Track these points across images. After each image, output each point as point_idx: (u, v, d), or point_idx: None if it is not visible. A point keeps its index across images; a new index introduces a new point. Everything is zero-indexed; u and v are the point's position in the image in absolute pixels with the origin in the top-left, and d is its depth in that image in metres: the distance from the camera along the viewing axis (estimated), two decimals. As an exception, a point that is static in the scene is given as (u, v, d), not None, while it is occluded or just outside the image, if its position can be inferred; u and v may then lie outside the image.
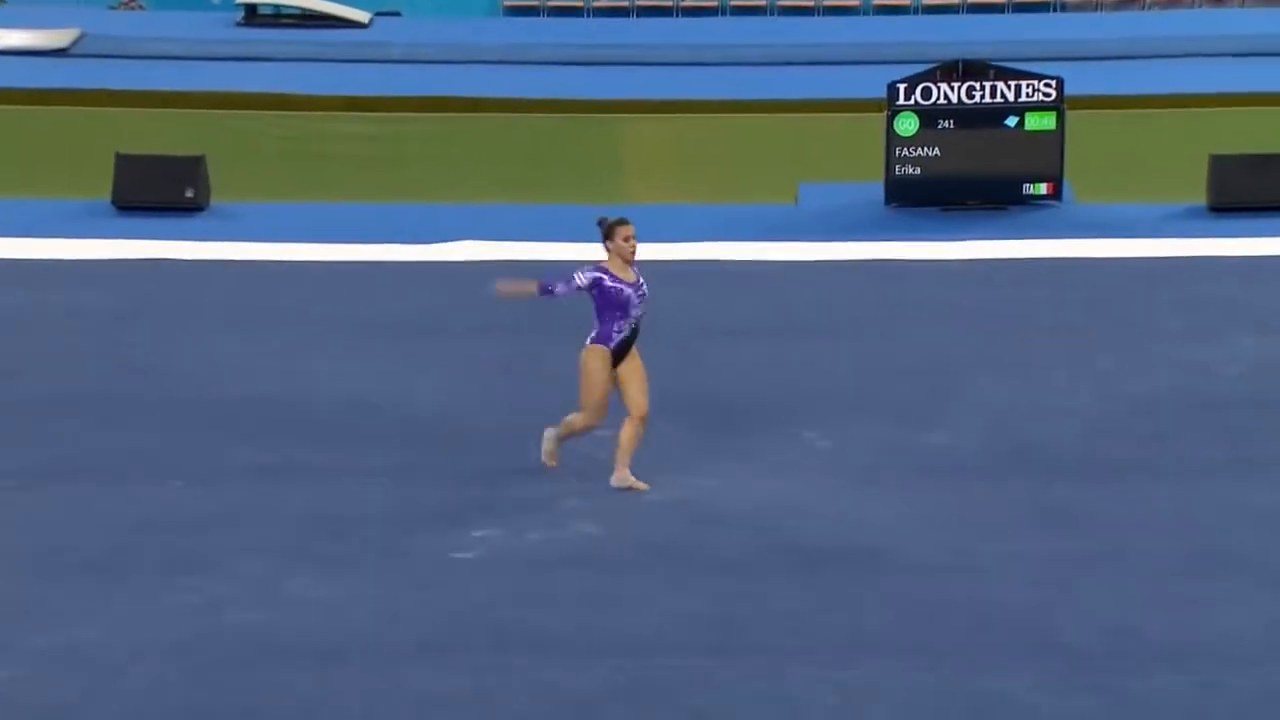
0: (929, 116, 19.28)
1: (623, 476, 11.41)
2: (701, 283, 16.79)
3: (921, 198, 19.35)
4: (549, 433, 11.65)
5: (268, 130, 21.75)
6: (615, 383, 11.35)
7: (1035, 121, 19.25)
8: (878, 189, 19.44)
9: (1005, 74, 19.37)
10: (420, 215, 19.45)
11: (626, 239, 11.25)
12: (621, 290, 11.23)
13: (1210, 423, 12.62)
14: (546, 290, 11.30)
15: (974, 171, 19.23)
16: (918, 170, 19.32)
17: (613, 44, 25.22)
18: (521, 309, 15.92)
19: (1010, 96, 19.31)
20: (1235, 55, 24.63)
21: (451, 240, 18.41)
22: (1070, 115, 19.32)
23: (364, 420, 13.06)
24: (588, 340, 11.34)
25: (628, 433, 11.34)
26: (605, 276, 11.22)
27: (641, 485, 11.40)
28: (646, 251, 17.86)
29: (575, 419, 11.46)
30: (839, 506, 11.29)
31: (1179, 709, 8.74)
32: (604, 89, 23.13)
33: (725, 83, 23.56)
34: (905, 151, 19.31)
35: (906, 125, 19.31)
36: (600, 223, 11.44)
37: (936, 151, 19.28)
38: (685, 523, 11.12)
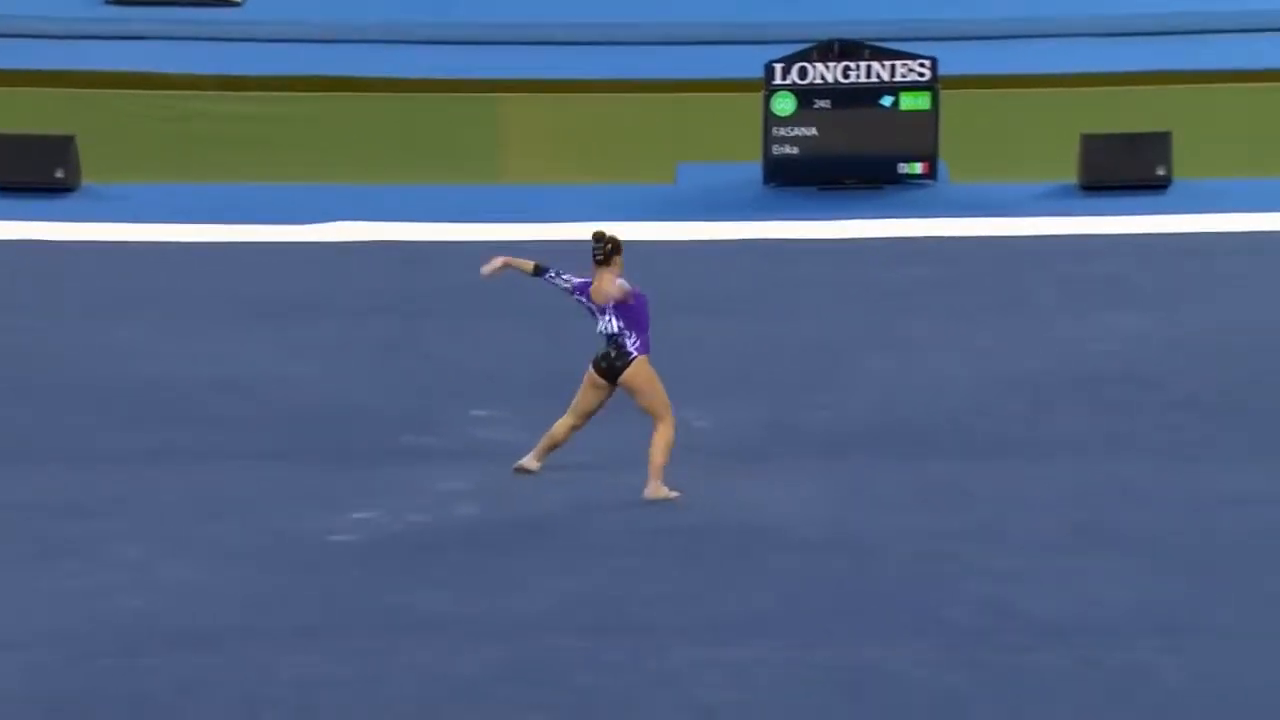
0: (806, 96, 19.36)
1: (536, 464, 11.43)
2: (579, 263, 16.76)
3: (799, 177, 19.43)
4: (652, 486, 11.17)
5: (139, 110, 21.49)
6: (605, 394, 11.19)
7: (910, 101, 19.39)
8: (755, 169, 19.50)
9: (880, 54, 19.48)
10: (295, 196, 19.30)
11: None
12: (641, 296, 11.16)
13: (1084, 399, 12.79)
14: (547, 273, 11.17)
15: (850, 151, 19.33)
16: (795, 150, 19.40)
17: (490, 23, 25.11)
18: (397, 292, 15.88)
19: (885, 76, 19.43)
20: (1105, 35, 24.89)
21: (327, 221, 18.28)
22: (944, 95, 19.46)
23: (242, 403, 12.95)
24: (635, 353, 11.09)
25: (564, 430, 11.31)
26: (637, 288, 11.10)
27: (532, 466, 11.36)
28: (525, 231, 17.90)
29: (663, 434, 11.07)
30: (720, 485, 11.34)
31: (1055, 683, 8.85)
32: (481, 68, 23.02)
33: (603, 62, 23.52)
34: (782, 131, 19.38)
35: (783, 105, 19.38)
36: (611, 240, 11.24)
37: (813, 131, 19.37)
38: (567, 504, 11.12)
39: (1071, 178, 19.50)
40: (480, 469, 11.63)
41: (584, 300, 11.20)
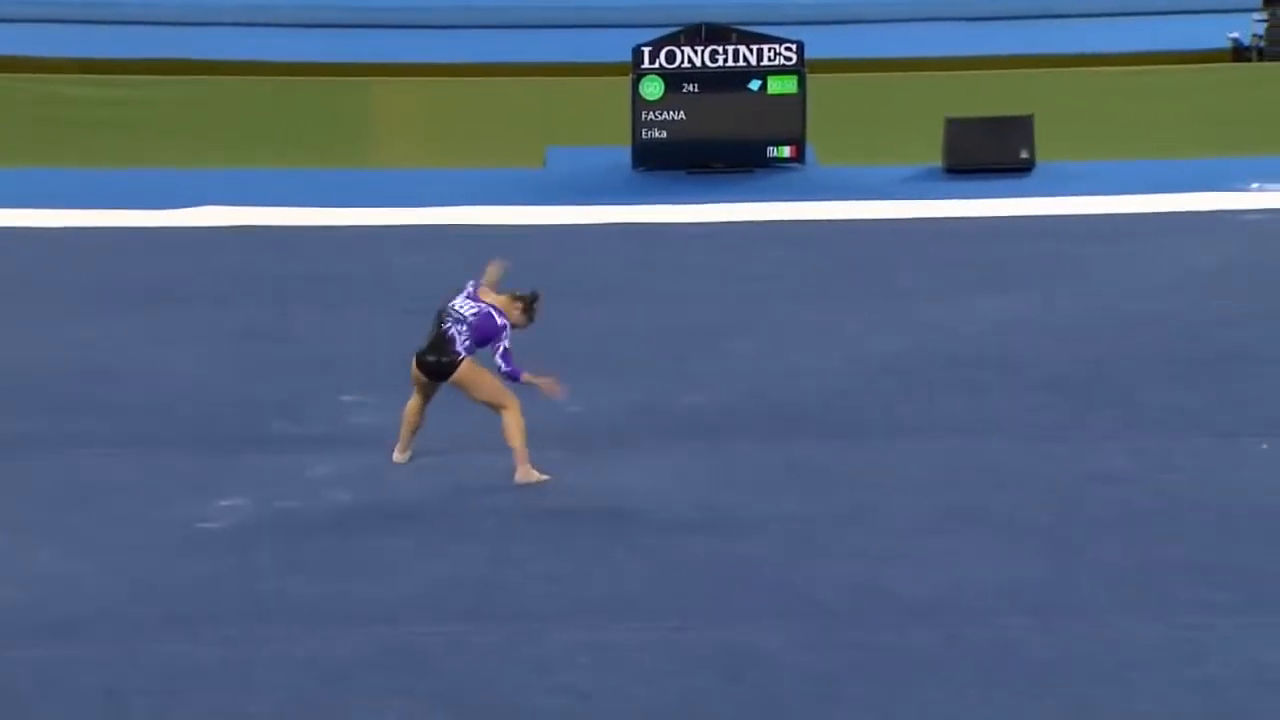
0: (674, 80, 19.40)
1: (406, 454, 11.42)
2: (449, 247, 16.72)
3: (668, 161, 19.47)
4: (521, 470, 11.11)
5: (4, 93, 21.17)
6: (434, 387, 11.16)
7: (777, 85, 19.48)
8: (625, 152, 19.53)
9: (747, 38, 19.56)
10: (163, 181, 19.09)
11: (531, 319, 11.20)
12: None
13: (952, 381, 12.91)
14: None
15: (719, 134, 19.40)
16: (664, 133, 19.44)
17: (360, 7, 24.97)
18: (265, 278, 15.75)
19: (753, 60, 19.51)
20: (968, 19, 25.13)
21: (195, 206, 18.11)
22: (811, 79, 19.57)
23: (106, 390, 12.81)
24: (463, 353, 11.02)
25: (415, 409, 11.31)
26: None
27: (401, 458, 11.34)
28: (395, 216, 17.81)
29: (511, 419, 11.03)
30: (591, 469, 11.35)
31: (924, 662, 8.95)
32: (349, 52, 22.89)
33: (471, 46, 23.46)
34: (651, 115, 19.42)
35: (652, 89, 19.41)
36: (535, 298, 11.25)
37: (682, 115, 19.42)
38: (437, 490, 11.09)
39: (937, 161, 19.68)
40: (350, 455, 11.57)
41: (468, 285, 11.17)
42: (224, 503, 10.86)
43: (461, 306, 11.14)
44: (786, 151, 19.52)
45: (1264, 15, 21.81)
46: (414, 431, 11.38)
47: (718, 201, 18.32)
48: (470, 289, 11.26)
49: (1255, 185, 18.67)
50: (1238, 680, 8.75)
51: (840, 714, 8.53)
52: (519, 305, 11.18)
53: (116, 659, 8.98)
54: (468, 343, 11.07)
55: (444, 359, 11.07)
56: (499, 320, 11.06)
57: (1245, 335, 13.80)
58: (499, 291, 11.30)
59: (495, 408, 11.09)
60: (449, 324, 11.11)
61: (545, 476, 11.05)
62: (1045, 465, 11.36)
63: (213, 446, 11.76)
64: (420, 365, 11.17)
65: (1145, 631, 9.20)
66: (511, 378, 11.00)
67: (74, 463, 11.45)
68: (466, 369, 11.07)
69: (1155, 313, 14.39)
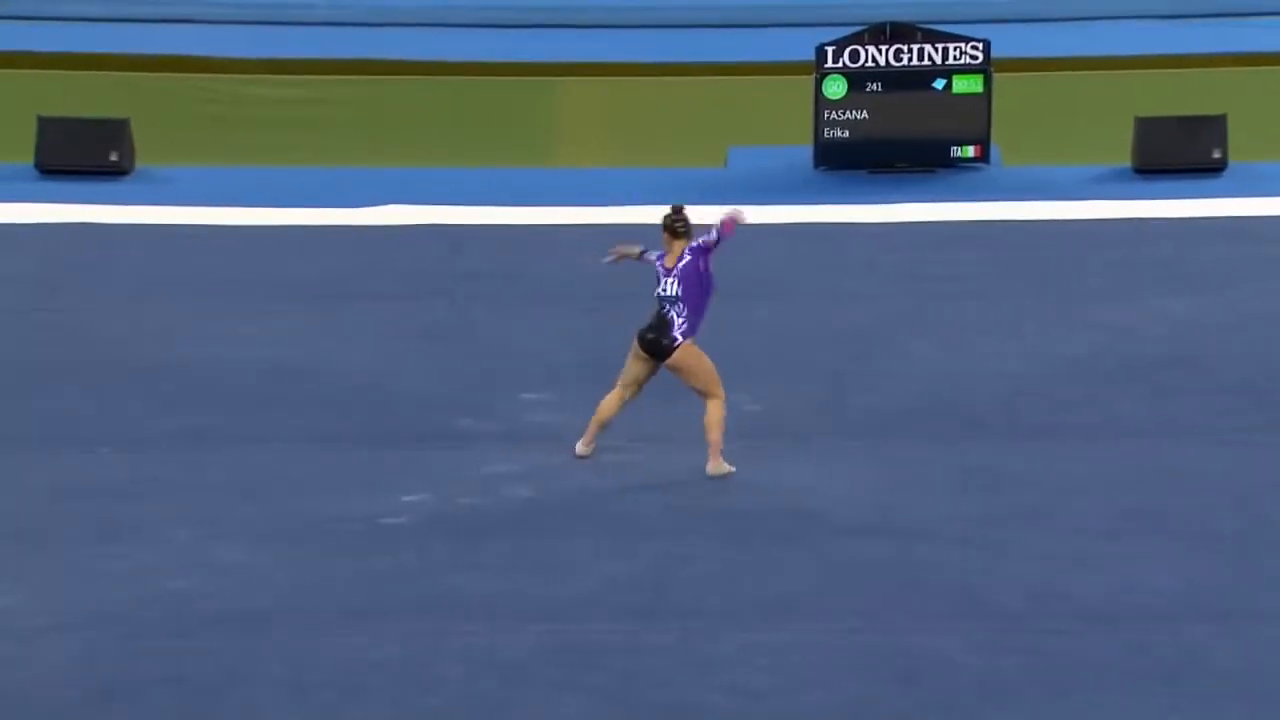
0: (857, 79, 19.28)
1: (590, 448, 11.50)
2: (642, 241, 16.75)
3: (850, 160, 19.34)
4: (714, 462, 11.16)
5: (191, 93, 21.55)
6: (652, 368, 11.22)
7: (962, 84, 19.28)
8: (806, 152, 19.43)
9: (932, 36, 19.39)
10: (345, 179, 19.33)
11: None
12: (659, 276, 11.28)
13: (1135, 384, 12.70)
14: (645, 253, 11.34)
15: (902, 134, 19.24)
16: (846, 133, 19.32)
17: (541, 6, 25.12)
18: (446, 276, 15.89)
19: (938, 59, 19.33)
20: (1159, 17, 24.73)
21: (376, 205, 18.31)
22: (997, 78, 19.36)
23: (290, 386, 12.99)
24: (681, 338, 11.11)
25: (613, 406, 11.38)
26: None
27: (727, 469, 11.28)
28: (577, 215, 17.88)
29: (714, 411, 11.11)
30: (769, 470, 11.32)
31: (1104, 669, 8.82)
32: (530, 51, 23.02)
33: (653, 45, 23.49)
34: (833, 114, 19.31)
35: (835, 88, 19.31)
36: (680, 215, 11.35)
37: (864, 114, 19.28)
38: (616, 487, 11.12)
39: (1126, 161, 19.38)
40: (529, 452, 11.64)
41: (658, 263, 11.25)
42: (405, 499, 10.97)
43: (666, 289, 11.17)
44: (971, 151, 19.31)
45: None
46: (603, 426, 11.43)
47: (900, 202, 18.18)
48: (660, 267, 11.25)
49: None
50: None
51: (1017, 718, 8.43)
52: (690, 239, 11.18)
53: (298, 652, 9.10)
54: (685, 325, 11.12)
55: (664, 340, 11.14)
56: (697, 250, 11.10)
57: None
58: (673, 249, 11.27)
59: (705, 395, 11.14)
60: (666, 308, 11.19)
61: (732, 469, 11.13)
62: (1230, 470, 11.14)
63: (393, 442, 11.88)
64: (641, 342, 11.24)
65: (1333, 641, 8.99)
66: (721, 234, 11.11)
67: (254, 458, 11.63)
68: (684, 353, 11.12)
69: (1349, 315, 14.06)
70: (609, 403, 11.38)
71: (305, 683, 8.81)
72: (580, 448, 11.46)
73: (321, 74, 21.67)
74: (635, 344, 11.29)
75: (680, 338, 11.12)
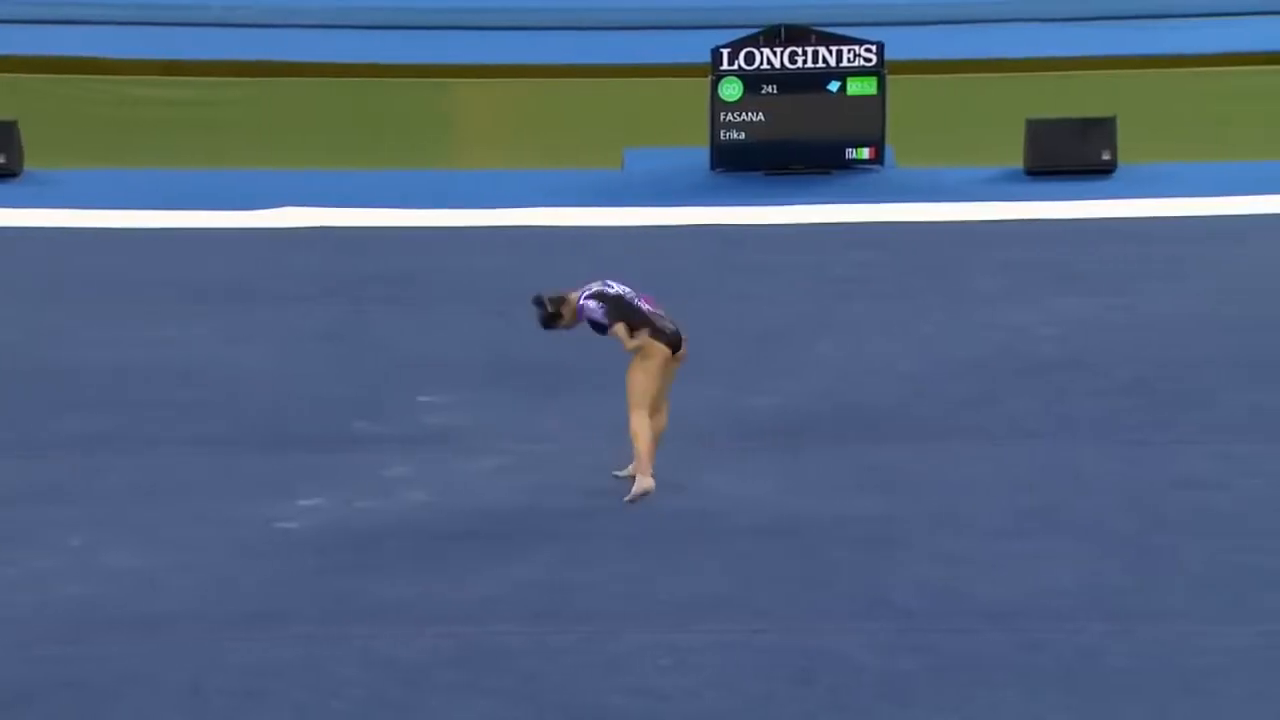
0: (752, 81, 19.35)
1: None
2: (529, 248, 16.75)
3: (746, 162, 19.42)
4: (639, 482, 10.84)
5: (81, 95, 21.33)
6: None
7: (857, 86, 19.40)
8: (703, 154, 19.48)
9: (827, 39, 19.49)
10: (239, 181, 19.19)
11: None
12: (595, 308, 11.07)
13: (1031, 384, 12.82)
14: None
15: (797, 136, 19.34)
16: (742, 135, 19.39)
17: (435, 8, 25.04)
18: (343, 278, 15.81)
19: (832, 61, 19.44)
20: (1051, 20, 24.97)
21: (273, 206, 18.20)
22: (891, 80, 19.49)
23: (185, 389, 12.88)
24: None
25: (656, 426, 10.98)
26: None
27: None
28: (469, 217, 17.84)
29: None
30: (670, 470, 11.32)
31: (1001, 668, 8.89)
32: (426, 53, 22.95)
33: (549, 47, 23.49)
34: (729, 116, 19.38)
35: (730, 90, 19.38)
36: (539, 302, 11.15)
37: (760, 116, 19.36)
38: (517, 489, 11.10)
39: (1018, 163, 19.55)
40: (428, 455, 11.60)
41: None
42: (303, 502, 10.90)
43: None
44: (866, 153, 19.43)
45: (1351, 15, 21.62)
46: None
47: (796, 203, 18.26)
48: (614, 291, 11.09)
49: (1341, 187, 18.48)
50: (1322, 688, 8.65)
51: (914, 717, 8.49)
52: (557, 317, 11.12)
53: (197, 656, 9.03)
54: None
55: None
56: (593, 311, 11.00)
57: (1330, 339, 13.66)
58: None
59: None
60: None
61: (623, 474, 11.04)
62: (1127, 469, 11.27)
63: (290, 446, 11.81)
64: (669, 343, 10.90)
65: (1228, 639, 9.11)
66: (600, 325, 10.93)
67: (152, 461, 11.53)
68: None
69: (1238, 315, 14.25)
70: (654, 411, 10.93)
71: (203, 687, 8.75)
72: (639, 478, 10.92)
73: (215, 75, 21.51)
74: (665, 348, 10.91)
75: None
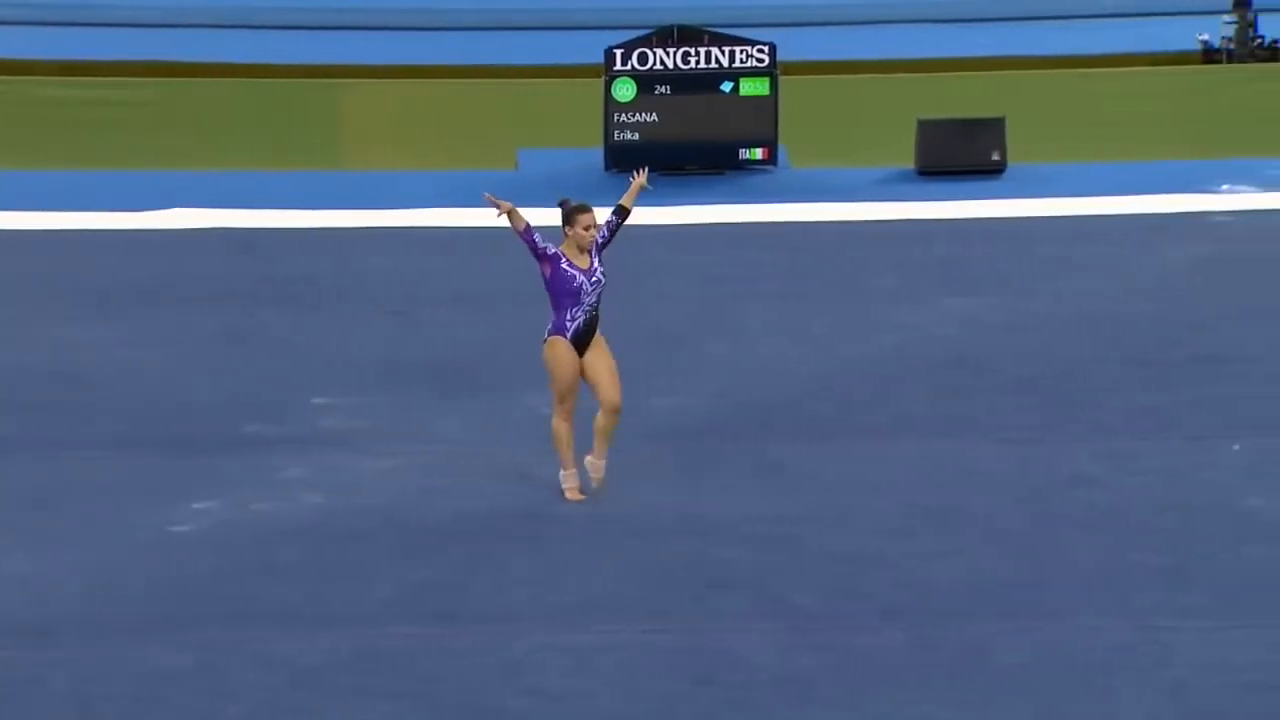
0: (646, 82, 19.41)
1: (598, 466, 10.79)
2: (423, 249, 16.73)
3: (640, 162, 19.32)
4: (565, 474, 10.74)
5: (-22, 94, 21.10)
6: (582, 374, 10.72)
7: (750, 87, 19.49)
8: (597, 154, 19.52)
9: (719, 39, 19.58)
10: (135, 182, 19.05)
11: (586, 228, 10.68)
12: (575, 277, 10.64)
13: (923, 383, 12.94)
14: (528, 232, 10.68)
15: (691, 136, 19.41)
16: (636, 135, 19.44)
17: (331, 8, 24.93)
18: (237, 279, 15.72)
19: (725, 62, 19.52)
20: (940, 21, 25.18)
21: (167, 207, 18.07)
22: (783, 80, 19.60)
23: (79, 392, 12.78)
24: (546, 334, 10.74)
25: (601, 424, 10.68)
26: (561, 258, 10.67)
27: (597, 475, 10.77)
28: (364, 218, 17.78)
29: (558, 427, 10.66)
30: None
31: (898, 664, 8.98)
32: (320, 53, 22.85)
33: (443, 48, 23.44)
34: (623, 117, 19.42)
35: (624, 91, 19.42)
36: (561, 204, 10.86)
37: (654, 117, 19.42)
38: (412, 490, 11.09)
39: (909, 163, 19.71)
40: (323, 457, 11.57)
41: (563, 265, 10.74)
42: (197, 505, 10.85)
43: None
44: (759, 153, 19.54)
45: (1233, 17, 21.89)
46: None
47: (690, 203, 18.32)
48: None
49: (1225, 187, 18.74)
50: (1208, 683, 8.79)
51: (813, 716, 8.56)
52: (566, 232, 10.70)
53: (87, 663, 8.97)
54: (549, 323, 10.74)
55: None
56: (561, 262, 10.68)
57: (1216, 337, 13.86)
58: (569, 250, 10.78)
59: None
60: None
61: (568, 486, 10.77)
62: (1017, 467, 11.40)
63: (186, 449, 11.75)
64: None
65: (1117, 634, 9.25)
66: (529, 243, 10.64)
67: (46, 466, 11.43)
68: (544, 348, 10.77)
69: (1126, 314, 14.44)
70: (601, 423, 10.75)
71: (92, 694, 8.69)
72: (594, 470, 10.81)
73: (113, 75, 21.33)
74: (569, 346, 10.74)
75: (546, 334, 10.82)
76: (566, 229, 10.85)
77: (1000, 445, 11.76)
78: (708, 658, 9.04)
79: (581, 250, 10.79)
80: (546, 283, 10.78)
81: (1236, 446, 11.65)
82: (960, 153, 19.55)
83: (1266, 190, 18.48)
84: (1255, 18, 21.88)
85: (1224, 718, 8.51)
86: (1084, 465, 11.40)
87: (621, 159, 19.47)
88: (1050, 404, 12.51)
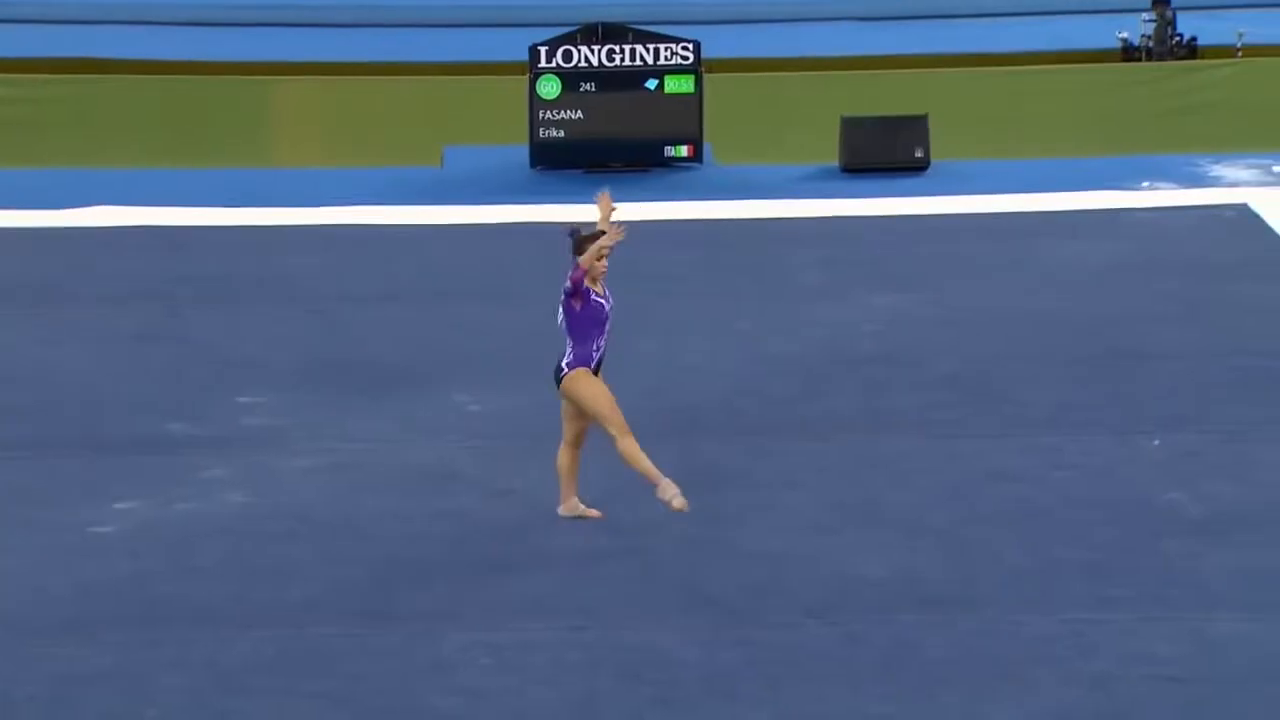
0: (570, 79, 19.39)
1: (572, 505, 10.42)
2: (347, 247, 16.66)
3: (565, 160, 19.45)
4: (661, 487, 10.12)
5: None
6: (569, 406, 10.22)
7: (674, 84, 19.50)
8: (522, 152, 19.49)
9: (644, 37, 19.58)
10: (54, 180, 18.89)
11: (600, 258, 10.13)
12: (603, 306, 10.17)
13: (849, 379, 12.98)
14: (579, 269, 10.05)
15: (616, 134, 19.41)
16: (561, 133, 19.42)
17: (254, 5, 24.80)
18: (160, 278, 15.62)
19: (649, 59, 19.52)
20: (864, 19, 25.27)
21: (86, 205, 17.92)
22: (708, 78, 19.62)
23: (-1, 392, 12.67)
24: (564, 367, 10.18)
25: (566, 460, 10.37)
26: (590, 290, 10.10)
27: (593, 513, 10.41)
28: (288, 216, 17.70)
29: (627, 449, 10.12)
30: (491, 470, 11.33)
31: (821, 660, 9.00)
32: (245, 50, 22.73)
33: (368, 45, 23.36)
34: (548, 114, 19.40)
35: (549, 88, 19.39)
36: (574, 234, 10.25)
37: (579, 114, 19.41)
38: (337, 489, 11.04)
39: (833, 160, 19.77)
40: (246, 456, 11.50)
41: (593, 296, 10.23)
42: (119, 506, 10.76)
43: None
44: (684, 150, 19.55)
45: (1152, 15, 22.05)
46: (572, 477, 10.38)
47: (615, 201, 18.31)
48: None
49: (1146, 184, 18.88)
50: (1130, 675, 8.86)
51: (737, 711, 8.57)
52: (579, 262, 10.09)
53: (7, 664, 8.89)
54: (570, 356, 10.22)
55: (557, 370, 10.28)
56: (569, 285, 10.11)
57: (1136, 333, 13.96)
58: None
59: (605, 433, 10.26)
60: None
61: (681, 504, 10.17)
62: (941, 463, 11.45)
63: (107, 449, 11.66)
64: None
65: (1040, 627, 9.30)
66: (575, 281, 10.01)
67: (-35, 466, 11.32)
68: (568, 381, 10.19)
69: (1048, 311, 14.52)
70: (562, 451, 10.42)
71: (12, 697, 8.61)
72: (565, 510, 10.43)
73: (32, 73, 21.14)
74: (592, 375, 10.27)
75: (564, 367, 10.27)
76: (579, 259, 10.18)
77: (925, 441, 11.81)
78: (634, 654, 9.04)
79: (596, 279, 10.28)
80: (575, 317, 10.19)
81: (1156, 442, 11.73)
82: (884, 150, 19.62)
83: (1185, 187, 18.63)
84: (1174, 15, 22.06)
85: (1145, 709, 8.57)
86: (1007, 461, 11.46)
87: (547, 156, 19.45)
88: (974, 400, 12.57)
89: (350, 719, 8.51)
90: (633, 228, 17.50)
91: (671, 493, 10.15)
